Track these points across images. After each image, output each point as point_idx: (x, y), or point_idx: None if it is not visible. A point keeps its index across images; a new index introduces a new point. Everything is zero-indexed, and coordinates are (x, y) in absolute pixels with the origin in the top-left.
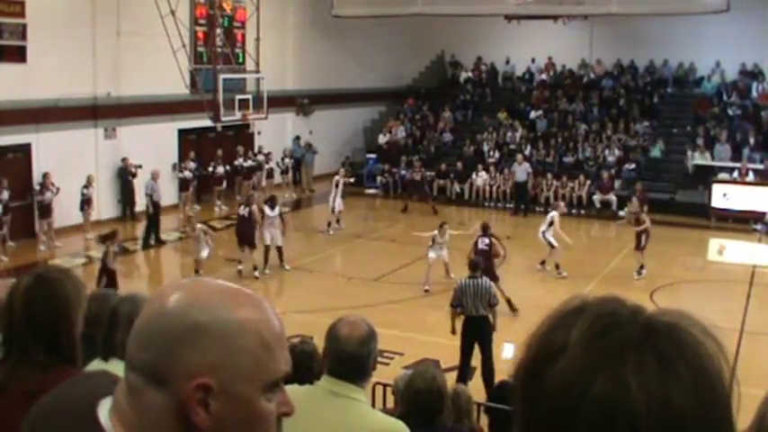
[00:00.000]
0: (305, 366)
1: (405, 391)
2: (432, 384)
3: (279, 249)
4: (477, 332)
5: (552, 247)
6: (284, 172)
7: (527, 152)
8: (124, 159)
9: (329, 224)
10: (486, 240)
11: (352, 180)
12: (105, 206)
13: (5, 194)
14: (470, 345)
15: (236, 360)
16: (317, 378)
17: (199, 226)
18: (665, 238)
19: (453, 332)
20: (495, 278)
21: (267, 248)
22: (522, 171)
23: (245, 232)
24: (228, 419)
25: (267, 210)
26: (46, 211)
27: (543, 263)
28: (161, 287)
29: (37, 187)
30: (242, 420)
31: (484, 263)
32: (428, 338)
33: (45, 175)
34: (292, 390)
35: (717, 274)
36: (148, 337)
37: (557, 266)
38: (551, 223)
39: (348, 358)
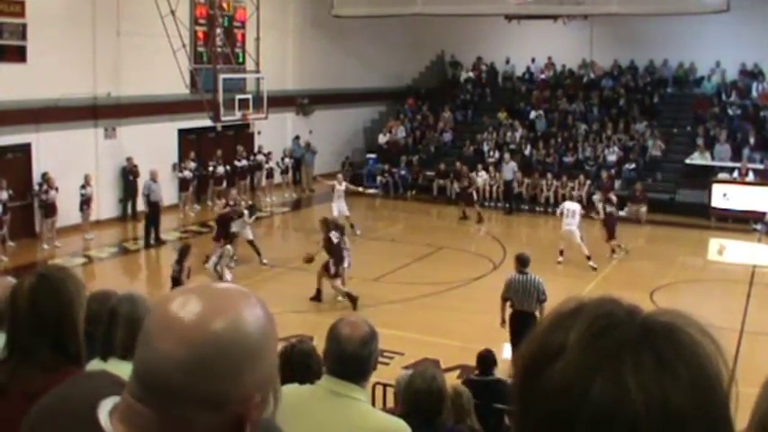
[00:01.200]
0: (303, 365)
1: (404, 390)
2: (431, 384)
3: (250, 242)
4: (522, 327)
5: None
6: (284, 172)
7: (527, 152)
8: (129, 159)
9: (352, 226)
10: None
11: (361, 190)
12: (106, 206)
13: (5, 194)
14: (519, 339)
15: (271, 372)
16: (315, 377)
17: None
18: (665, 237)
19: (502, 324)
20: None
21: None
22: (508, 170)
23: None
24: (258, 419)
25: (246, 215)
26: (50, 210)
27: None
28: (171, 304)
29: (36, 187)
30: (262, 414)
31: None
32: (428, 338)
33: (46, 174)
34: (294, 389)
35: (717, 274)
36: (205, 368)
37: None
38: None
39: (349, 358)
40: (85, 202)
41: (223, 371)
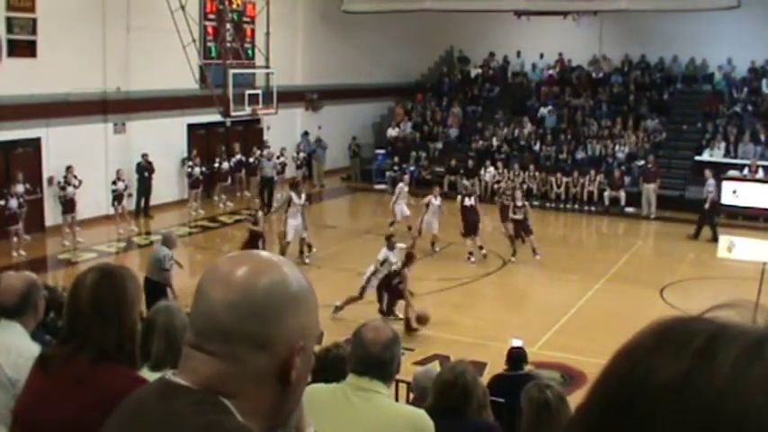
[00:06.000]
0: (338, 371)
1: (433, 383)
2: (457, 380)
3: None
4: None
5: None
6: (299, 167)
7: (536, 148)
8: (144, 155)
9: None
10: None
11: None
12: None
13: (21, 187)
14: None
15: (312, 320)
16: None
17: None
18: (675, 234)
19: None
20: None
21: None
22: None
23: None
24: (302, 372)
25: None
26: (69, 205)
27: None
28: (220, 265)
29: (61, 180)
30: (307, 370)
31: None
32: (438, 334)
33: (68, 169)
34: (320, 387)
35: (726, 271)
36: (253, 310)
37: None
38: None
39: (372, 361)
40: (118, 198)
41: (269, 312)
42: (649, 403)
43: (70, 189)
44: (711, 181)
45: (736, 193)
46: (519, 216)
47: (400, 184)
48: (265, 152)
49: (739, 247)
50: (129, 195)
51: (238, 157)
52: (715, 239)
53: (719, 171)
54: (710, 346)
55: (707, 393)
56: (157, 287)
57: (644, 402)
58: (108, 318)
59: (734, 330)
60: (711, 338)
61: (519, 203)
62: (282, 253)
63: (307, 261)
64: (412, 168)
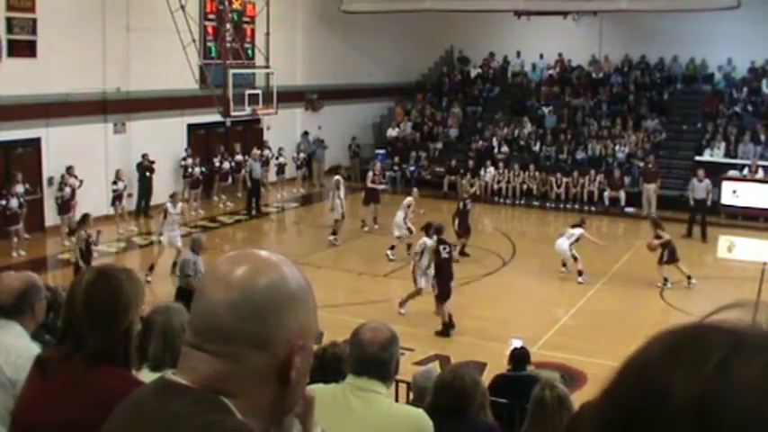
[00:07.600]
0: (335, 369)
1: (433, 383)
2: (454, 381)
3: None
4: None
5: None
6: (299, 167)
7: (536, 148)
8: (144, 156)
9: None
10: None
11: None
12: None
13: (21, 188)
14: None
15: (311, 320)
16: (343, 379)
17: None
18: (675, 234)
19: None
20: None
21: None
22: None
23: None
24: (302, 370)
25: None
26: (65, 207)
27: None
28: (219, 265)
29: (60, 178)
30: (306, 368)
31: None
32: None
33: (69, 169)
34: (321, 388)
35: (726, 272)
36: (253, 310)
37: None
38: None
39: (371, 361)
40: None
41: (267, 312)
42: (666, 426)
43: (67, 190)
44: (707, 180)
45: (736, 193)
46: (658, 242)
47: (409, 198)
48: (253, 153)
49: (739, 247)
50: (129, 195)
51: (238, 157)
52: (689, 234)
53: (718, 171)
54: (730, 361)
55: (732, 413)
56: (189, 295)
57: (660, 426)
58: (100, 319)
59: (753, 341)
60: (730, 351)
61: (663, 236)
62: (336, 231)
63: (337, 243)
64: (412, 168)
